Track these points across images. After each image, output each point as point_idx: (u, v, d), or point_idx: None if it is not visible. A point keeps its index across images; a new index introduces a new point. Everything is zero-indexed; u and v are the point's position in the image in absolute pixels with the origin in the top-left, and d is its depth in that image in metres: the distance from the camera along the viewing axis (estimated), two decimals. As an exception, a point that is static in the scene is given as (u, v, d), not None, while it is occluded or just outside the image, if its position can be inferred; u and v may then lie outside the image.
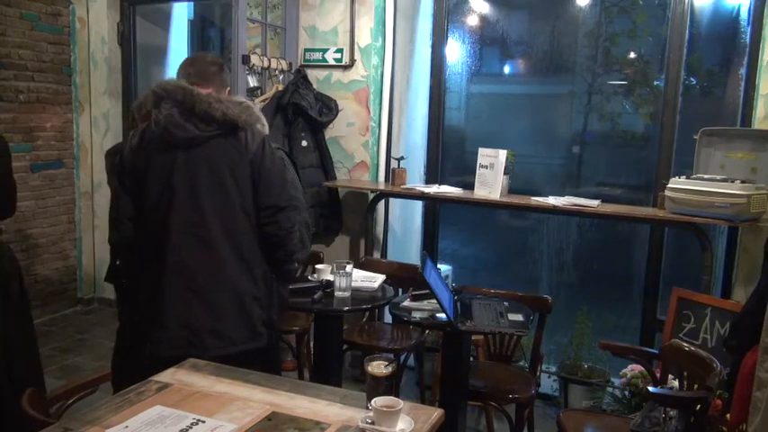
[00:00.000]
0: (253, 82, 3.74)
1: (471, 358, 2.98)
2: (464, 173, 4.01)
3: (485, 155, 3.52)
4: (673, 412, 2.24)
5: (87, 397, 1.88)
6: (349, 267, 2.67)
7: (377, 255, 3.95)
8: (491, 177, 3.46)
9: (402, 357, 3.32)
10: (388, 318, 3.72)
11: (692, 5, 3.27)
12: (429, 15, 4.00)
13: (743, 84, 3.22)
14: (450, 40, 4.03)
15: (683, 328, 3.07)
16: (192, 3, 5.20)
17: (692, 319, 3.04)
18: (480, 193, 3.52)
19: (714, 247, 3.10)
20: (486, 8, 4.27)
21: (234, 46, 3.54)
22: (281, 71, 3.87)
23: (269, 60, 3.75)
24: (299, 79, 3.86)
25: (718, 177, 2.91)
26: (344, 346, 3.22)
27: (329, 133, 3.98)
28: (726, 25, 3.51)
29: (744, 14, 3.29)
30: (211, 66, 2.32)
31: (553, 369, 3.60)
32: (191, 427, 1.51)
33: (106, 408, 1.61)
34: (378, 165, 3.97)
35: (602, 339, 2.81)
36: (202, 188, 2.13)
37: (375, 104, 3.92)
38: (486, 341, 3.14)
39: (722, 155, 3.08)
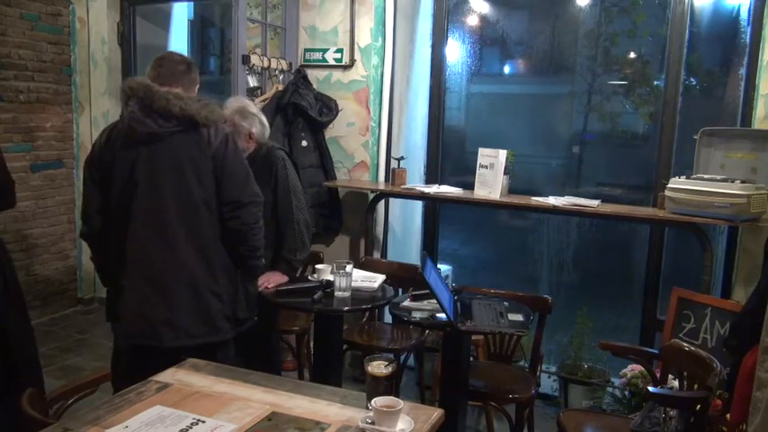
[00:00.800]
0: (253, 82, 3.74)
1: (471, 358, 2.97)
2: (464, 173, 4.01)
3: (485, 155, 3.52)
4: (673, 412, 2.23)
5: (87, 397, 1.88)
6: (349, 267, 2.67)
7: (377, 255, 3.95)
8: (491, 177, 3.46)
9: (402, 357, 3.32)
10: (388, 318, 3.72)
11: (692, 5, 3.27)
12: (429, 15, 4.00)
13: (743, 84, 3.22)
14: (450, 40, 4.02)
15: (683, 328, 3.07)
16: (191, 3, 5.19)
17: (692, 319, 3.04)
18: (480, 193, 3.52)
19: (714, 247, 3.10)
20: (486, 8, 4.26)
21: (234, 46, 3.54)
22: (281, 71, 3.87)
23: (269, 60, 3.75)
24: (299, 79, 3.86)
25: (718, 177, 2.91)
26: (344, 346, 3.21)
27: (329, 133, 3.98)
28: (726, 25, 3.51)
29: (744, 14, 3.28)
30: (179, 65, 2.35)
31: (553, 369, 3.60)
32: (191, 427, 1.51)
33: (106, 408, 1.61)
34: (378, 165, 3.97)
35: (602, 339, 2.81)
36: (163, 182, 2.19)
37: (375, 104, 3.92)
38: (486, 341, 3.14)
39: (722, 155, 3.08)
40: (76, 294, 4.99)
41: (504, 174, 3.43)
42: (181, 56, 2.43)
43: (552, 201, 3.34)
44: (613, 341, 2.78)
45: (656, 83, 3.74)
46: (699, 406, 2.11)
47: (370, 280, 2.86)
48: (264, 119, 2.97)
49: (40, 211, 4.65)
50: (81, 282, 4.99)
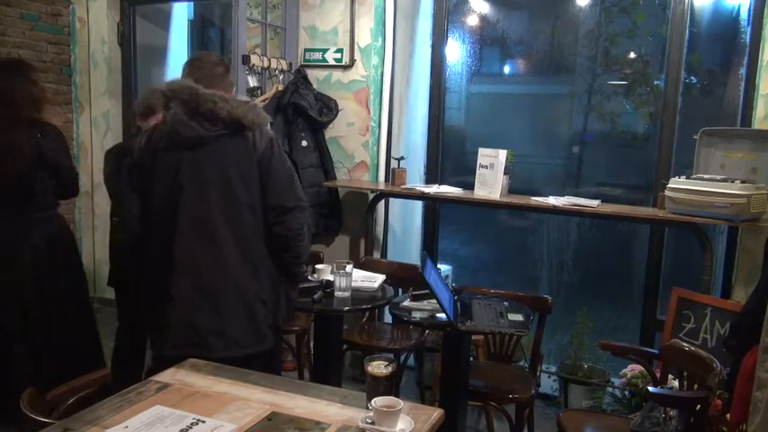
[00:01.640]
0: (253, 82, 3.74)
1: (471, 358, 2.98)
2: (464, 173, 4.01)
3: (485, 155, 3.52)
4: (673, 412, 2.23)
5: (87, 397, 1.88)
6: (349, 267, 2.67)
7: (377, 255, 3.95)
8: (491, 177, 3.46)
9: (402, 357, 3.32)
10: (388, 318, 3.72)
11: (692, 5, 3.27)
12: (429, 15, 4.00)
13: (743, 84, 3.22)
14: (450, 40, 4.02)
15: (683, 328, 3.07)
16: (191, 3, 5.19)
17: (692, 319, 3.04)
18: (480, 193, 3.52)
19: (714, 247, 3.10)
20: (486, 8, 4.27)
21: (234, 46, 3.54)
22: (281, 71, 3.87)
23: (269, 60, 3.75)
24: (299, 79, 3.86)
25: (718, 177, 2.91)
26: (344, 346, 3.21)
27: (329, 133, 3.98)
28: (726, 25, 3.51)
29: (744, 14, 3.28)
30: (217, 67, 2.29)
31: (553, 369, 3.60)
32: (191, 427, 1.51)
33: (106, 408, 1.61)
34: (378, 165, 3.97)
35: (602, 339, 2.81)
36: (209, 187, 2.13)
37: (375, 104, 3.92)
38: (486, 341, 3.14)
39: (722, 155, 3.08)
40: (76, 294, 4.98)
41: (504, 174, 3.43)
42: (218, 58, 2.36)
43: (552, 201, 3.34)
44: (613, 341, 2.78)
45: (656, 83, 3.74)
46: (699, 406, 2.11)
47: (370, 280, 2.86)
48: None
49: (40, 211, 4.64)
50: (81, 282, 4.99)
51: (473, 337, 2.96)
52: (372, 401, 1.53)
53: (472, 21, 4.24)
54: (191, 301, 2.14)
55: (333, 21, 3.92)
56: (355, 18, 3.85)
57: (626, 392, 3.12)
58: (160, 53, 5.10)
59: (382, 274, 2.99)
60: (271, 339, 2.25)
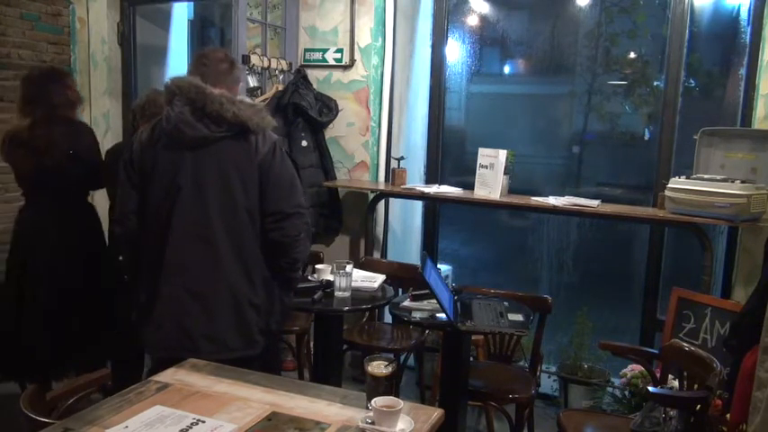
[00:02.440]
0: (253, 82, 3.74)
1: (471, 358, 2.98)
2: (464, 173, 4.01)
3: (485, 155, 3.52)
4: (673, 412, 2.23)
5: (87, 397, 1.88)
6: (349, 267, 2.67)
7: (377, 255, 3.95)
8: (491, 177, 3.46)
9: (402, 357, 3.32)
10: (388, 318, 3.72)
11: (692, 5, 3.27)
12: (429, 15, 4.00)
13: (743, 84, 3.22)
14: (450, 40, 4.02)
15: (683, 328, 3.07)
16: (191, 3, 5.19)
17: (692, 319, 3.04)
18: (480, 193, 3.52)
19: (714, 247, 3.10)
20: (486, 8, 4.27)
21: (234, 46, 3.54)
22: (281, 71, 3.87)
23: (269, 60, 3.75)
24: (299, 79, 3.86)
25: (718, 177, 2.91)
26: (344, 346, 3.22)
27: (329, 133, 3.98)
28: (726, 25, 3.51)
29: (744, 14, 3.28)
30: (222, 63, 2.26)
31: (553, 369, 3.60)
32: (191, 427, 1.51)
33: (106, 408, 1.61)
34: (378, 165, 3.97)
35: (602, 339, 2.81)
36: (208, 189, 2.11)
37: (375, 104, 3.92)
38: (486, 341, 3.14)
39: (722, 155, 3.08)
40: (76, 294, 4.98)
41: (504, 174, 3.43)
42: (223, 53, 2.33)
43: (552, 201, 3.34)
44: (613, 341, 2.79)
45: (656, 83, 3.74)
46: (699, 406, 2.11)
47: (370, 280, 2.86)
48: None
49: (40, 211, 4.64)
50: (81, 282, 4.98)
51: (473, 337, 2.96)
52: (372, 401, 1.53)
53: (472, 21, 4.24)
54: (181, 303, 2.12)
55: (333, 21, 3.92)
56: (355, 18, 3.85)
57: (626, 392, 3.12)
58: (160, 53, 5.10)
59: (382, 274, 2.99)
60: (262, 344, 2.23)
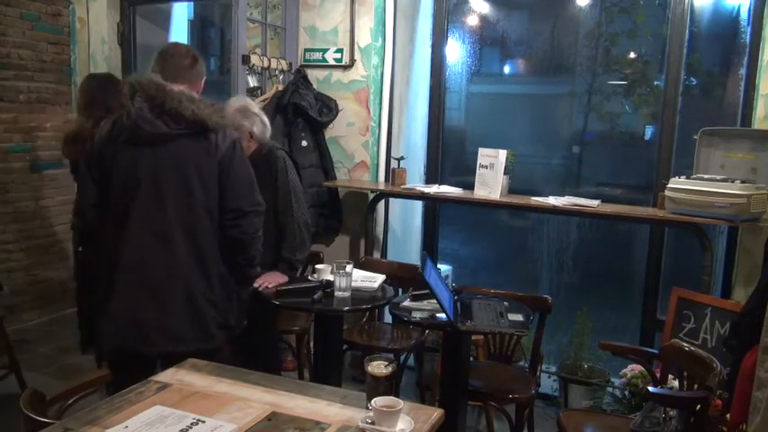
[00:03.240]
0: (253, 82, 3.74)
1: (471, 358, 2.97)
2: (464, 173, 4.01)
3: (485, 155, 3.52)
4: (673, 412, 2.23)
5: (87, 397, 1.88)
6: (349, 267, 2.67)
7: (377, 255, 3.95)
8: (491, 177, 3.46)
9: (402, 357, 3.32)
10: (388, 318, 3.72)
11: (692, 5, 3.27)
12: (429, 15, 4.00)
13: (743, 84, 3.22)
14: (450, 40, 4.02)
15: (683, 328, 3.07)
16: (191, 3, 5.19)
17: (692, 319, 3.04)
18: (480, 193, 3.52)
19: (714, 247, 3.10)
20: (486, 8, 4.27)
21: (234, 46, 3.54)
22: (281, 71, 3.87)
23: (269, 60, 3.75)
24: (299, 79, 3.86)
25: (718, 177, 2.91)
26: (344, 346, 3.21)
27: (329, 133, 3.98)
28: (726, 25, 3.51)
29: (744, 14, 3.28)
30: (184, 59, 2.28)
31: (553, 369, 3.60)
32: (191, 427, 1.51)
33: (106, 408, 1.61)
34: (378, 165, 3.97)
35: (602, 339, 2.81)
36: (166, 185, 2.13)
37: (375, 104, 3.92)
38: (486, 341, 3.14)
39: (722, 155, 3.08)
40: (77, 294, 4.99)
41: (504, 174, 3.43)
42: (186, 48, 2.35)
43: (552, 201, 3.34)
44: (613, 341, 2.78)
45: (656, 83, 3.74)
46: (699, 406, 2.11)
47: (370, 280, 2.86)
48: (266, 119, 2.98)
49: (40, 211, 4.65)
50: (81, 282, 4.99)
51: (473, 337, 2.96)
52: (372, 401, 1.53)
53: (472, 21, 4.23)
54: (136, 297, 2.15)
55: (333, 21, 3.92)
56: (355, 18, 3.85)
57: (626, 392, 3.12)
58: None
59: (382, 274, 2.99)
60: (221, 338, 2.27)
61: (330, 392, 1.76)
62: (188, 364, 1.91)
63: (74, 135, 3.17)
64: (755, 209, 2.82)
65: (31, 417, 1.59)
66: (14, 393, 3.13)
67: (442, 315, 2.41)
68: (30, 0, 4.44)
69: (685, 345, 2.45)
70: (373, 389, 1.60)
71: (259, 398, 1.69)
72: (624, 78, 3.93)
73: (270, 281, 2.79)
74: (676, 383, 2.52)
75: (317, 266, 2.97)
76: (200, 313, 2.19)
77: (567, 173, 4.35)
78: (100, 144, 2.20)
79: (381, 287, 2.85)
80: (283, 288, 2.75)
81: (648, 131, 3.88)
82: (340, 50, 3.91)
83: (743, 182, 2.83)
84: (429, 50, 4.01)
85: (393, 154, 3.95)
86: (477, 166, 3.56)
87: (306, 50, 4.00)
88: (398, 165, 3.79)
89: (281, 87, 3.81)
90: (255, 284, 2.74)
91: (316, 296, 2.63)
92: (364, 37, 3.86)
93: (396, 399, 1.54)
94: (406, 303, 2.65)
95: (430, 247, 4.10)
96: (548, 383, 3.58)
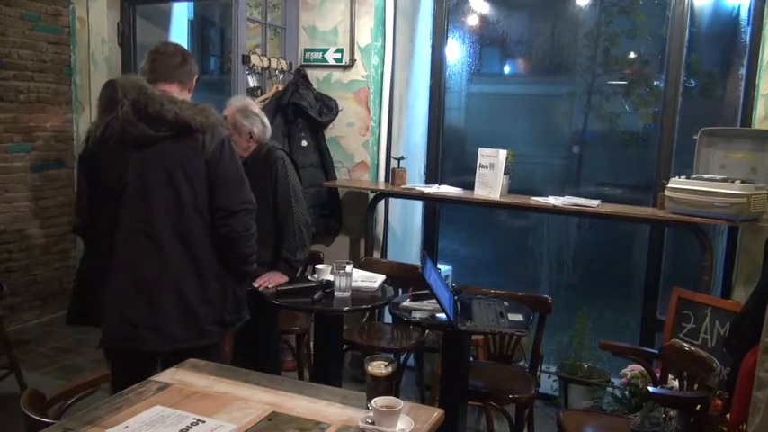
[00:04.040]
0: (253, 82, 3.74)
1: (471, 358, 2.97)
2: (464, 173, 4.01)
3: (485, 155, 3.52)
4: (673, 412, 2.23)
5: (87, 397, 1.88)
6: (349, 267, 2.67)
7: (377, 255, 3.95)
8: (491, 177, 3.46)
9: (402, 357, 3.32)
10: (388, 318, 3.72)
11: (692, 5, 3.27)
12: (429, 15, 4.00)
13: (743, 84, 3.22)
14: (450, 40, 4.02)
15: (683, 328, 3.07)
16: (191, 3, 5.19)
17: (692, 319, 3.04)
18: (480, 193, 3.52)
19: (714, 247, 3.10)
20: (486, 8, 4.26)
21: (234, 46, 3.54)
22: (281, 71, 3.87)
23: (269, 60, 3.75)
24: (299, 79, 3.86)
25: (718, 177, 2.91)
26: (344, 346, 3.21)
27: (329, 133, 3.98)
28: (726, 25, 3.51)
29: (744, 14, 3.28)
30: (174, 57, 2.28)
31: (553, 369, 3.60)
32: (191, 427, 1.51)
33: (106, 408, 1.61)
34: (378, 165, 3.97)
35: (602, 339, 2.81)
36: (154, 187, 2.15)
37: (375, 104, 3.92)
38: (486, 341, 3.14)
39: (722, 155, 3.08)
40: (76, 294, 4.98)
41: (504, 174, 3.43)
42: (175, 47, 2.35)
43: (552, 201, 3.34)
44: (613, 341, 2.79)
45: (655, 83, 3.73)
46: (699, 406, 2.11)
47: (370, 280, 2.86)
48: (266, 119, 2.98)
49: (40, 211, 4.65)
50: (81, 282, 4.99)
51: (473, 337, 2.96)
52: (372, 401, 1.53)
53: (472, 21, 4.23)
54: (127, 296, 2.16)
55: (333, 21, 3.91)
56: (355, 18, 3.85)
57: (626, 392, 3.12)
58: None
59: (382, 274, 2.99)
60: (216, 335, 2.28)
61: (330, 392, 1.76)
62: (188, 364, 1.91)
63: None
64: (755, 209, 2.82)
65: (31, 417, 1.59)
66: (14, 393, 3.14)
67: (442, 315, 2.41)
68: (30, 0, 4.44)
69: (685, 345, 2.45)
70: (373, 389, 1.60)
71: (259, 398, 1.69)
72: (624, 78, 3.93)
73: (270, 281, 2.79)
74: (676, 383, 2.52)
75: (316, 266, 2.97)
76: (193, 312, 2.19)
77: (566, 173, 4.35)
78: (92, 146, 2.23)
79: (381, 287, 2.85)
80: (283, 288, 2.75)
81: (648, 131, 3.87)
82: (340, 50, 3.91)
83: (743, 182, 2.83)
84: (429, 50, 4.01)
85: (393, 154, 3.95)
86: (477, 166, 3.56)
87: (306, 50, 4.00)
88: (398, 165, 3.79)
89: (281, 87, 3.81)
90: (255, 284, 2.74)
91: (316, 296, 2.63)
92: (364, 37, 3.86)
93: (396, 399, 1.54)
94: (406, 303, 2.65)
95: (430, 247, 4.10)
96: (548, 383, 3.58)
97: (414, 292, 2.75)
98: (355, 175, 3.99)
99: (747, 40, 3.18)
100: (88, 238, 2.36)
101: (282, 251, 2.89)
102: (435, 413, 1.63)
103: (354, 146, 3.97)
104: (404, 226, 4.23)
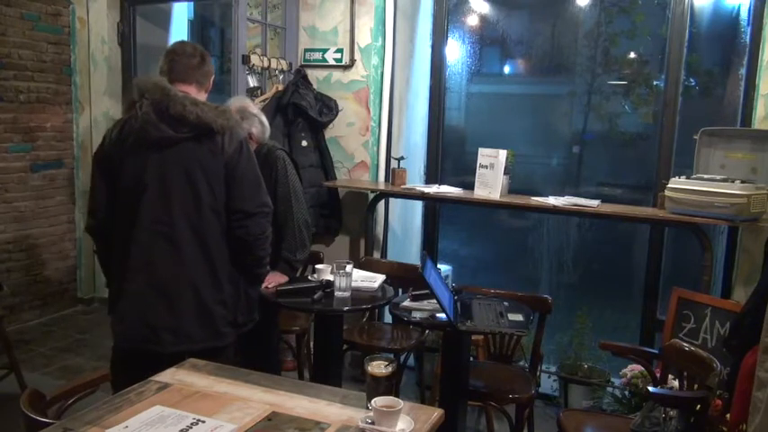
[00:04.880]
0: (253, 82, 3.74)
1: (471, 358, 2.97)
2: (464, 173, 4.01)
3: (485, 155, 3.52)
4: (673, 412, 2.23)
5: (87, 397, 1.88)
6: (349, 267, 2.67)
7: (377, 255, 3.95)
8: (491, 177, 3.46)
9: (402, 357, 3.32)
10: (388, 318, 3.72)
11: (691, 5, 3.27)
12: (429, 15, 4.00)
13: (743, 84, 3.22)
14: (450, 40, 4.02)
15: (683, 328, 3.07)
16: (191, 3, 5.19)
17: (692, 319, 3.04)
18: (480, 193, 3.52)
19: (714, 247, 3.10)
20: (486, 8, 4.26)
21: (234, 46, 3.54)
22: (281, 71, 3.87)
23: (269, 60, 3.75)
24: (299, 79, 3.86)
25: (718, 177, 2.91)
26: (344, 346, 3.21)
27: (329, 133, 3.98)
28: (726, 25, 3.51)
29: (744, 14, 3.28)
30: (192, 58, 2.28)
31: (553, 369, 3.60)
32: (191, 427, 1.51)
33: (106, 408, 1.61)
34: (378, 165, 3.97)
35: (602, 339, 2.81)
36: (173, 188, 2.15)
37: (375, 104, 3.92)
38: (486, 341, 3.14)
39: (722, 155, 3.08)
40: (76, 294, 4.99)
41: (504, 174, 3.43)
42: (193, 47, 2.34)
43: (552, 201, 3.34)
44: (613, 341, 2.78)
45: (655, 83, 3.74)
46: (699, 406, 2.11)
47: (370, 280, 2.86)
48: (265, 119, 2.98)
49: (40, 211, 4.65)
50: (81, 282, 4.99)
51: (473, 337, 2.96)
52: (372, 401, 1.53)
53: (472, 21, 4.23)
54: (144, 297, 2.16)
55: (333, 21, 3.92)
56: (355, 18, 3.85)
57: (626, 392, 3.12)
58: (160, 53, 5.06)
59: (382, 274, 2.99)
60: (230, 336, 2.29)
61: (330, 392, 1.76)
62: (188, 364, 1.91)
63: None
64: (755, 209, 2.82)
65: (31, 417, 1.59)
66: (14, 393, 3.14)
67: (441, 315, 2.41)
68: (30, 0, 4.45)
69: (685, 345, 2.45)
70: (373, 389, 1.60)
71: (259, 398, 1.69)
72: (624, 78, 3.93)
73: (270, 281, 2.79)
74: (676, 383, 2.52)
75: (316, 266, 2.97)
76: (209, 313, 2.20)
77: (566, 173, 4.35)
78: (110, 146, 2.22)
79: (381, 287, 2.85)
80: (283, 288, 2.75)
81: (648, 131, 3.88)
82: (340, 50, 3.91)
83: (743, 182, 2.83)
84: (429, 50, 4.01)
85: (393, 154, 3.95)
86: (477, 166, 3.56)
87: (306, 50, 4.00)
88: (398, 165, 3.79)
89: (281, 87, 3.81)
90: (256, 285, 2.74)
91: (316, 296, 2.63)
92: (364, 37, 3.86)
93: (396, 399, 1.54)
94: (406, 303, 2.65)
95: (430, 247, 4.10)
96: (548, 383, 3.58)
97: (414, 292, 2.75)
98: (355, 175, 3.99)
99: (747, 40, 3.18)
100: (101, 238, 2.33)
101: (282, 251, 2.89)
102: (435, 413, 1.63)
103: (354, 146, 3.97)
104: (404, 226, 4.23)
